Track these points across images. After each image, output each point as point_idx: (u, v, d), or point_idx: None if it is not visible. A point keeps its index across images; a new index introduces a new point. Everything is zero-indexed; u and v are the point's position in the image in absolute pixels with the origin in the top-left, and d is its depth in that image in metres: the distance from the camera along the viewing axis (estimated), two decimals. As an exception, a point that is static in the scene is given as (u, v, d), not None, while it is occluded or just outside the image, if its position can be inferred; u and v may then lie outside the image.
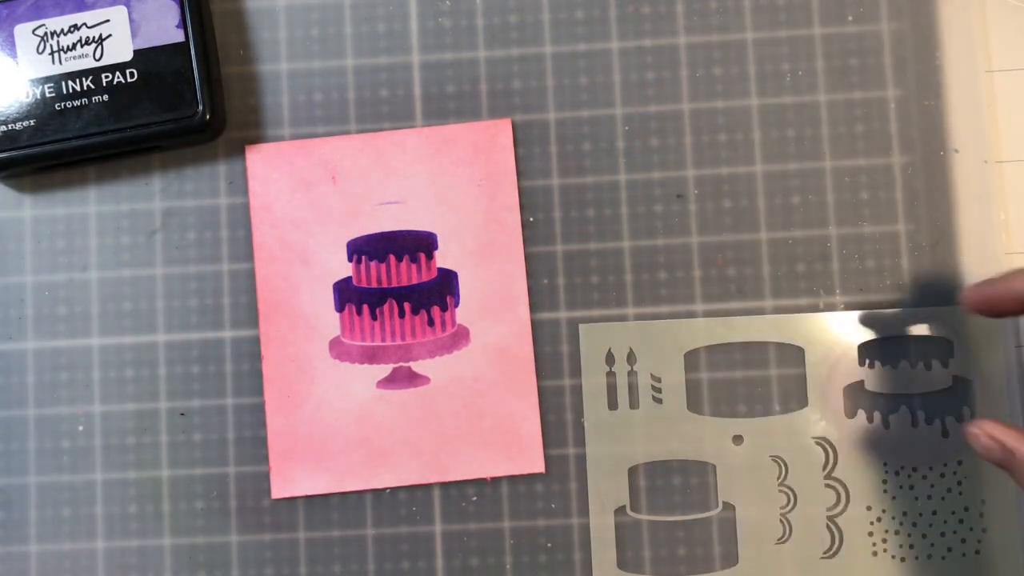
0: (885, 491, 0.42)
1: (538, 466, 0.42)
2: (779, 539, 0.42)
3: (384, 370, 0.43)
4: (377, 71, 0.44)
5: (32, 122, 0.42)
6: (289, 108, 0.44)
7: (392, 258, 0.43)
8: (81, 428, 0.43)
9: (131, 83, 0.42)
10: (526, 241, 0.43)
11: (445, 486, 0.42)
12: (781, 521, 0.42)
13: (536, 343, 0.43)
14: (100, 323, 0.43)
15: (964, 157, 0.43)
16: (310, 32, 0.44)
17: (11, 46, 0.42)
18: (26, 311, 0.43)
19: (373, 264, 0.43)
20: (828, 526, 0.42)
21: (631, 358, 0.42)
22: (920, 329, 0.42)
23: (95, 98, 0.42)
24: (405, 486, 0.42)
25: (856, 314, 0.42)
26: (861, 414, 0.42)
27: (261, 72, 0.44)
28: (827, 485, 0.42)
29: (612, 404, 0.42)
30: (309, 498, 0.42)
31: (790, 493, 0.42)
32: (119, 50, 0.42)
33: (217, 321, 0.43)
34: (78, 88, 0.42)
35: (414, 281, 0.43)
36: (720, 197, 0.43)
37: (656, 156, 0.43)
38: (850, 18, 0.43)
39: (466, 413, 0.42)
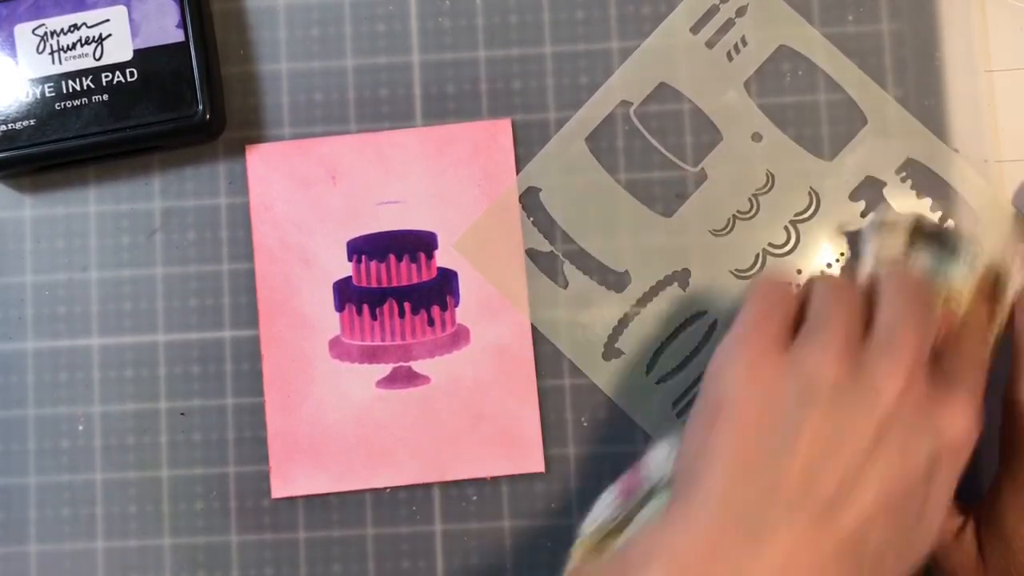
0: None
1: (538, 466, 0.42)
2: None
3: (384, 370, 0.42)
4: (377, 71, 0.44)
5: (32, 122, 0.42)
6: (289, 108, 0.44)
7: (392, 258, 0.43)
8: (81, 428, 0.43)
9: (131, 83, 0.42)
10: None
11: (445, 486, 0.42)
12: None
13: (536, 343, 0.42)
14: (100, 323, 0.43)
15: (964, 157, 0.43)
16: (310, 32, 0.44)
17: (11, 46, 0.42)
18: (26, 311, 0.43)
19: (373, 264, 0.43)
20: None
21: None
22: None
23: (95, 98, 0.42)
24: (405, 486, 0.42)
25: None
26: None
27: (261, 72, 0.44)
28: None
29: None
30: (309, 498, 0.42)
31: None
32: (119, 50, 0.42)
33: (217, 321, 0.43)
34: (78, 88, 0.42)
35: (414, 281, 0.43)
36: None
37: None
38: (850, 18, 0.43)
39: (466, 413, 0.42)
